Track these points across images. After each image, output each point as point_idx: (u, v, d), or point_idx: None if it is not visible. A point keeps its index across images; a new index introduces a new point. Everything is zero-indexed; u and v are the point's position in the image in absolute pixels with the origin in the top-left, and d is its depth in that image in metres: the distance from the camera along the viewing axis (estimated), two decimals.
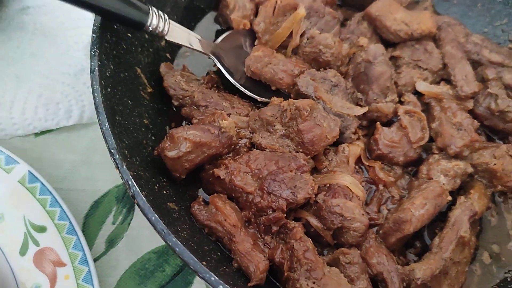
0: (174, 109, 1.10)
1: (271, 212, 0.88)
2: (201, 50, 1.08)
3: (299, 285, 0.84)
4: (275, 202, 0.88)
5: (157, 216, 0.75)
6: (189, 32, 1.06)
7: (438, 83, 1.16)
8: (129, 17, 0.90)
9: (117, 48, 0.96)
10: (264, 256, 0.88)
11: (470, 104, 1.11)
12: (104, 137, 0.80)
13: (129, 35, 1.01)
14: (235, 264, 0.89)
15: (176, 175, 0.94)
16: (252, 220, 0.92)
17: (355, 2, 1.25)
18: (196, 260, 0.72)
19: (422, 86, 1.12)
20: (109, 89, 0.88)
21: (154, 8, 0.95)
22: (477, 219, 1.01)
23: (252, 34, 1.16)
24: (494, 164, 1.02)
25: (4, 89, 1.18)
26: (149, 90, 1.05)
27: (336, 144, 1.03)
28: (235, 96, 1.09)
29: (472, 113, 1.11)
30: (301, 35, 1.11)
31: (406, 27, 1.12)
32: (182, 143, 0.90)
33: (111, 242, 1.06)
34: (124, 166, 0.78)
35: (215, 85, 1.11)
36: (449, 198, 0.98)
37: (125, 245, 1.06)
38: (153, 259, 1.05)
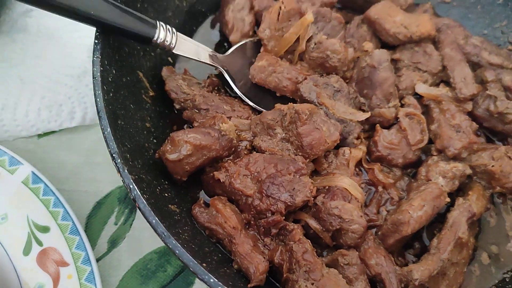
0: (176, 112, 1.11)
1: (270, 215, 0.89)
2: (210, 63, 1.09)
3: (298, 286, 0.85)
4: (273, 205, 0.89)
5: (157, 219, 0.76)
6: (198, 44, 1.07)
7: (437, 85, 1.17)
8: (135, 31, 0.92)
9: (119, 53, 0.97)
10: (264, 258, 0.89)
11: (469, 106, 1.12)
12: (106, 141, 0.81)
13: (129, 40, 1.02)
14: (235, 266, 0.90)
15: (177, 177, 0.95)
16: (252, 222, 0.93)
17: (355, 5, 1.25)
18: (195, 262, 0.74)
19: (422, 88, 1.13)
20: (111, 94, 0.89)
21: (161, 22, 0.96)
22: (475, 220, 1.02)
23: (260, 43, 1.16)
24: (493, 166, 1.03)
25: (8, 91, 1.20)
26: (151, 93, 1.06)
27: (337, 147, 1.04)
28: (236, 100, 1.10)
29: (471, 115, 1.11)
30: (308, 40, 1.11)
31: (405, 29, 1.13)
32: (183, 146, 0.91)
33: (113, 243, 1.08)
34: (126, 170, 0.79)
35: (216, 88, 1.12)
36: (448, 199, 0.99)
37: (127, 246, 1.08)
38: (154, 259, 1.06)
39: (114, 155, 0.80)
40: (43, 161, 1.14)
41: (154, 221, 0.76)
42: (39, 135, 1.19)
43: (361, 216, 0.92)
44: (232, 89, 1.11)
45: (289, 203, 0.89)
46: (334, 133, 0.98)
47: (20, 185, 1.03)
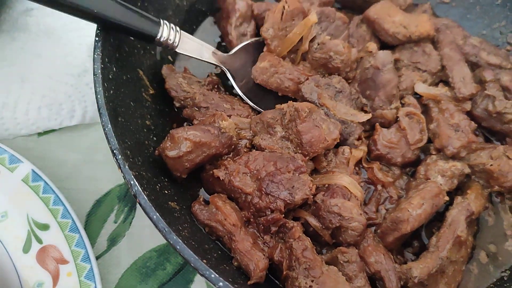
0: (176, 110, 1.11)
1: (269, 213, 0.90)
2: (213, 62, 1.09)
3: (297, 283, 0.86)
4: (273, 203, 0.89)
5: (158, 215, 0.76)
6: (202, 43, 1.07)
7: (436, 84, 1.17)
8: (139, 29, 0.92)
9: (120, 51, 0.97)
10: (264, 255, 0.90)
11: (468, 106, 1.12)
12: (106, 138, 0.82)
13: (131, 38, 1.02)
14: (235, 263, 0.91)
15: (177, 174, 0.95)
16: (252, 220, 0.93)
17: (354, 5, 1.26)
18: (196, 257, 0.74)
19: (421, 88, 1.14)
20: (111, 91, 0.89)
21: (165, 21, 0.96)
22: (474, 219, 1.02)
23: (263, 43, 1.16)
24: (491, 165, 1.03)
25: (8, 89, 1.20)
26: (151, 92, 1.07)
27: (337, 146, 1.04)
28: (236, 98, 1.11)
29: (470, 114, 1.12)
30: (311, 40, 1.11)
31: (405, 29, 1.14)
32: (183, 143, 0.91)
33: (113, 241, 1.08)
34: (126, 166, 0.79)
35: (216, 87, 1.12)
36: (446, 198, 0.99)
37: (127, 244, 1.08)
38: (154, 257, 1.07)
39: (115, 151, 0.80)
40: (43, 160, 1.14)
41: (155, 216, 0.76)
42: (39, 134, 1.19)
43: (361, 214, 0.92)
44: (233, 87, 1.12)
45: (288, 201, 0.89)
46: (334, 131, 0.98)
47: (20, 183, 1.04)
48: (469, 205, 0.99)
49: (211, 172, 0.96)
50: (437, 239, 0.97)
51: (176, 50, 1.00)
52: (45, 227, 1.00)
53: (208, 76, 1.14)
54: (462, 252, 0.98)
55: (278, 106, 1.03)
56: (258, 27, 1.21)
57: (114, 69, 0.93)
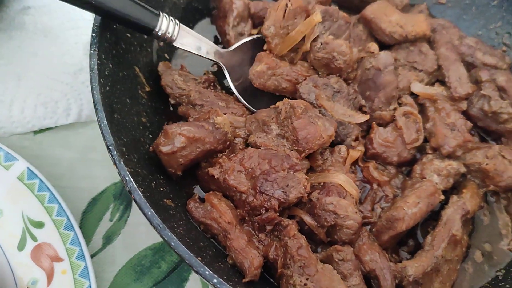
0: (171, 108, 1.11)
1: (264, 212, 0.90)
2: (210, 58, 1.07)
3: (292, 281, 0.85)
4: (267, 202, 0.89)
5: (153, 211, 0.76)
6: (201, 38, 1.05)
7: (433, 84, 1.18)
8: (137, 20, 0.91)
9: (116, 48, 0.97)
10: (259, 253, 0.90)
11: (463, 105, 1.12)
12: (102, 134, 0.82)
13: (128, 35, 1.02)
14: (230, 261, 0.90)
15: (171, 171, 0.95)
16: (247, 218, 0.93)
17: (351, 4, 1.26)
18: (191, 254, 0.74)
19: (417, 87, 1.14)
20: (107, 88, 0.89)
21: (164, 13, 0.96)
22: (469, 218, 1.02)
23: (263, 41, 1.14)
24: (487, 164, 1.04)
25: (5, 87, 1.20)
26: (147, 89, 1.07)
27: (333, 145, 1.04)
28: (231, 97, 1.10)
29: (465, 114, 1.12)
30: (314, 40, 1.09)
31: (401, 29, 1.14)
32: (176, 138, 0.91)
33: (108, 239, 1.08)
34: (122, 162, 0.79)
35: (212, 85, 1.12)
36: (442, 197, 1.00)
37: (122, 242, 1.08)
38: (149, 256, 1.06)
39: (110, 147, 0.80)
40: (38, 158, 1.14)
41: (149, 213, 0.76)
42: (35, 132, 1.19)
43: (356, 212, 0.92)
44: (229, 86, 1.11)
45: (282, 200, 0.89)
46: (329, 128, 0.98)
47: (15, 181, 1.03)
48: (465, 204, 1.00)
49: (206, 170, 0.96)
50: (432, 238, 0.97)
51: (174, 43, 0.99)
52: (40, 224, 1.00)
53: (204, 74, 1.14)
54: (457, 251, 0.98)
55: (273, 106, 1.04)
56: (255, 26, 1.21)
57: (111, 65, 0.93)
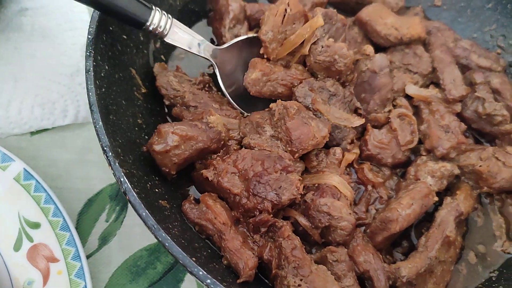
0: (166, 110, 1.12)
1: (258, 213, 0.90)
2: (203, 55, 1.06)
3: (286, 282, 0.86)
4: (260, 204, 0.89)
5: (147, 212, 0.76)
6: (194, 34, 1.03)
7: (427, 86, 1.18)
8: (129, 12, 0.90)
9: (113, 49, 0.98)
10: (253, 254, 0.90)
11: (458, 107, 1.13)
12: (97, 135, 0.82)
13: (125, 36, 1.03)
14: (225, 261, 0.91)
15: (165, 170, 0.95)
16: (241, 219, 0.94)
17: (346, 7, 1.27)
18: (185, 254, 0.74)
19: (412, 90, 1.15)
20: (103, 89, 0.90)
21: (157, 8, 0.95)
22: (463, 219, 1.03)
23: (260, 43, 1.11)
24: (480, 166, 1.04)
25: (2, 88, 1.20)
26: (143, 90, 1.07)
27: (328, 147, 1.05)
28: (226, 98, 1.11)
29: (460, 116, 1.13)
30: (314, 43, 1.07)
31: (396, 31, 1.15)
32: (169, 137, 0.91)
33: (104, 239, 1.08)
34: (117, 164, 0.80)
35: (207, 86, 1.12)
36: (436, 198, 1.00)
37: (118, 243, 1.08)
38: (144, 257, 1.07)
39: (105, 148, 0.80)
40: (35, 159, 1.15)
41: (144, 213, 0.76)
42: (32, 133, 1.19)
43: (350, 213, 0.93)
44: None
45: (275, 202, 0.89)
46: (323, 129, 0.99)
47: (11, 182, 1.04)
48: (458, 206, 1.00)
49: (201, 172, 0.96)
50: (426, 239, 0.97)
51: (165, 39, 0.98)
52: (36, 225, 1.01)
53: (200, 75, 1.14)
54: (450, 252, 0.98)
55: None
56: (251, 28, 1.21)
57: (107, 67, 0.93)
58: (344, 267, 0.91)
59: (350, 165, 1.08)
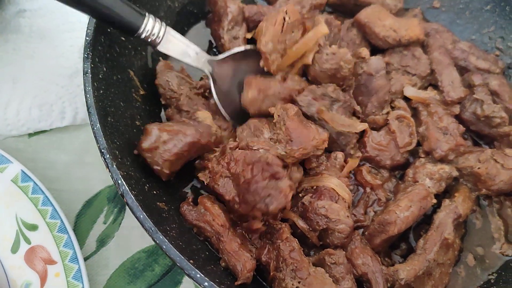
0: (164, 111, 1.12)
1: (250, 219, 0.89)
2: (196, 65, 1.04)
3: (284, 284, 0.86)
4: (251, 211, 0.88)
5: (145, 214, 0.76)
6: (189, 44, 1.02)
7: (426, 88, 1.18)
8: (121, 17, 0.88)
9: (111, 51, 0.98)
10: (251, 256, 0.90)
11: (456, 109, 1.13)
12: (95, 137, 0.82)
13: (123, 38, 1.02)
14: (223, 263, 0.91)
15: (157, 169, 0.92)
16: (239, 222, 0.93)
17: (345, 8, 1.27)
18: (182, 257, 0.74)
19: (410, 91, 1.14)
20: (101, 91, 0.90)
21: (151, 15, 0.94)
22: (461, 221, 1.03)
23: (257, 56, 1.09)
24: (479, 168, 1.04)
25: (0, 90, 1.20)
26: (142, 92, 1.07)
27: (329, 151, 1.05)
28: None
29: (458, 118, 1.13)
30: (317, 52, 1.06)
31: (395, 33, 1.14)
32: (156, 133, 0.90)
33: (102, 242, 1.08)
34: (114, 166, 0.80)
35: (208, 91, 1.11)
36: (434, 200, 1.00)
37: (116, 245, 1.08)
38: (143, 259, 1.07)
39: (103, 150, 0.80)
40: (33, 160, 1.14)
41: (141, 216, 0.76)
42: (30, 134, 1.19)
43: (348, 216, 0.93)
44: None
45: (263, 211, 0.87)
46: (323, 133, 0.98)
47: (9, 184, 1.03)
48: (457, 208, 1.00)
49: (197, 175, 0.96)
50: (424, 241, 0.97)
51: (158, 47, 0.96)
52: (33, 227, 1.00)
53: (201, 79, 1.13)
54: (449, 255, 0.98)
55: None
56: (249, 29, 1.21)
57: (105, 69, 0.93)
58: (342, 269, 0.91)
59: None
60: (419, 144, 1.11)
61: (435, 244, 0.96)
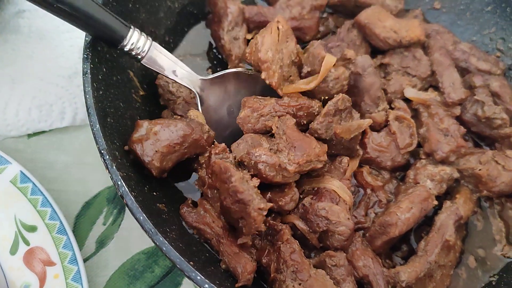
0: None
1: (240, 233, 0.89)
2: (183, 83, 1.01)
3: (285, 286, 0.86)
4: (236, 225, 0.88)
5: (145, 216, 0.76)
6: (176, 61, 0.99)
7: (426, 89, 1.18)
8: (105, 26, 0.86)
9: (110, 52, 0.97)
10: (252, 258, 0.90)
11: (457, 111, 1.13)
12: (95, 138, 0.82)
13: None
14: (223, 265, 0.90)
15: (147, 160, 0.89)
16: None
17: (346, 9, 1.26)
18: (182, 259, 0.74)
19: (410, 93, 1.14)
20: (101, 92, 0.89)
21: (137, 28, 0.91)
22: (462, 223, 1.02)
23: (248, 80, 1.08)
24: (480, 170, 1.04)
25: None
26: (141, 93, 1.07)
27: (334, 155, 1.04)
28: None
29: (459, 119, 1.12)
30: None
31: (395, 34, 1.14)
32: (147, 126, 0.90)
33: (102, 243, 1.07)
34: (114, 167, 0.79)
35: None
36: (435, 202, 1.00)
37: (115, 246, 1.07)
38: (142, 260, 1.06)
39: (102, 151, 0.80)
40: (32, 161, 1.14)
41: (141, 217, 0.76)
42: (29, 135, 1.19)
43: (348, 218, 0.92)
44: None
45: (243, 231, 0.87)
46: (323, 144, 0.98)
47: (8, 184, 1.03)
48: (458, 210, 1.00)
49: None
50: (425, 243, 0.97)
51: (142, 61, 0.93)
52: (32, 228, 1.00)
53: None
54: (450, 257, 0.98)
55: None
56: (250, 30, 1.21)
57: (104, 69, 0.93)
58: (343, 271, 0.90)
59: None
60: (419, 145, 1.11)
61: (436, 246, 0.96)
